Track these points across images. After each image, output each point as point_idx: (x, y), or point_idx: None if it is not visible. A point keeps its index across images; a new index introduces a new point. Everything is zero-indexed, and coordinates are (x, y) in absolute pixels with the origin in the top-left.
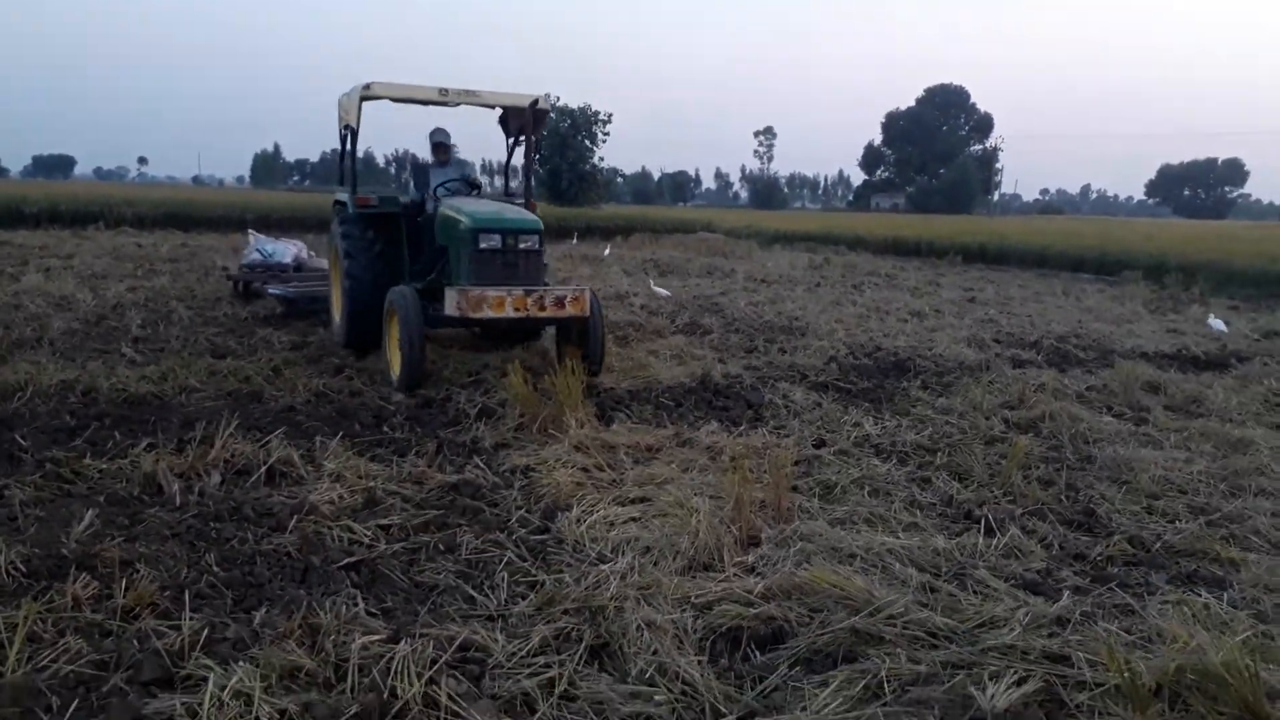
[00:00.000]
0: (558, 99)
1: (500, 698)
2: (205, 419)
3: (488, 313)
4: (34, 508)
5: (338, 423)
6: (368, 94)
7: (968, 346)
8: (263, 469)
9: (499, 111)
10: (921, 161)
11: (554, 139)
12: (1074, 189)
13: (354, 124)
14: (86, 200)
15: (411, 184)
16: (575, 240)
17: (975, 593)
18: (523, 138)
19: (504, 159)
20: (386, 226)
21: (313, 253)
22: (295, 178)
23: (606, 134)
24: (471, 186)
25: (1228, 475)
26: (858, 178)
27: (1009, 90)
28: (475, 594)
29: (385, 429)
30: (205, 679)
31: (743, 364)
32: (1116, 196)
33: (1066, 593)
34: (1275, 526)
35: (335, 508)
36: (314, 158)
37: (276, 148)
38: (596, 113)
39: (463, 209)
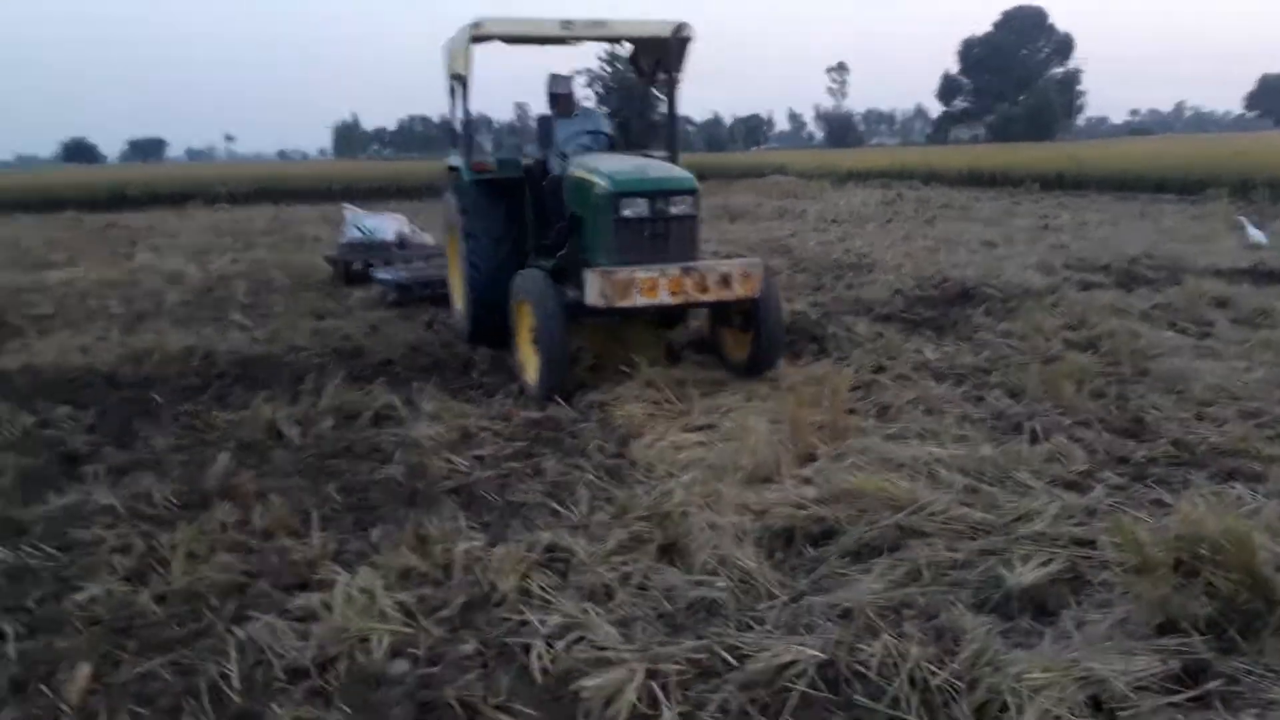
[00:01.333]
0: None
1: (583, 589)
2: (313, 373)
3: (638, 299)
4: (175, 453)
5: (431, 371)
6: (479, 33)
7: (1036, 272)
8: (369, 413)
9: (629, 49)
10: (1000, 89)
11: (621, 90)
12: (1167, 107)
13: (464, 73)
14: (182, 181)
15: (534, 143)
16: None
17: (1014, 492)
18: (662, 76)
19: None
20: (509, 195)
21: (415, 226)
22: (375, 146)
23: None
24: (605, 140)
25: None
26: (935, 110)
27: (1090, 6)
28: (559, 508)
29: (474, 375)
30: (335, 581)
31: (809, 300)
32: (1214, 112)
33: (1100, 487)
34: None
35: (435, 442)
36: (391, 125)
37: (355, 118)
38: None
39: (599, 169)
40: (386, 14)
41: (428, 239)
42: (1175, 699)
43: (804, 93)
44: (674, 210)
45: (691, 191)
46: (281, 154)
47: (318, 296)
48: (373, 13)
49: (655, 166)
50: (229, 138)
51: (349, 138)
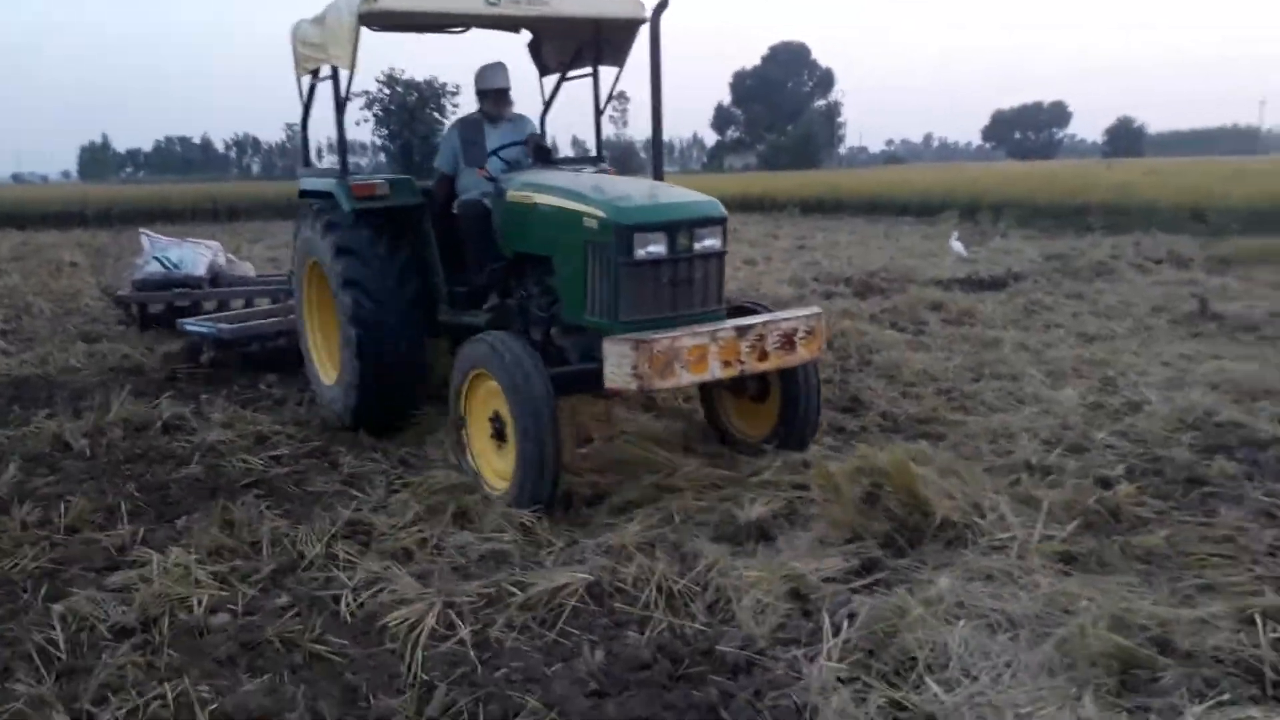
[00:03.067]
0: (402, 72)
1: (385, 552)
2: (95, 391)
3: (684, 377)
4: None
5: (219, 384)
6: (372, 10)
7: (788, 285)
8: (158, 424)
9: (527, 38)
10: (770, 120)
11: (401, 113)
12: (917, 138)
13: (347, 64)
14: None
15: (456, 156)
16: None
17: (750, 455)
18: (578, 71)
19: None
20: (403, 229)
21: (231, 255)
22: (128, 169)
23: (455, 105)
24: (541, 153)
25: (974, 366)
26: (711, 139)
27: (849, 44)
28: (358, 494)
29: (262, 386)
30: (148, 560)
31: None
32: (956, 143)
33: (816, 447)
34: (997, 397)
35: (230, 445)
36: (147, 146)
37: (105, 138)
38: (444, 84)
39: (582, 192)
40: (140, 30)
41: (247, 269)
42: (854, 585)
43: (585, 120)
44: (700, 246)
45: (721, 221)
46: (16, 177)
47: (84, 321)
48: (123, 28)
49: (662, 189)
50: None
51: (98, 159)
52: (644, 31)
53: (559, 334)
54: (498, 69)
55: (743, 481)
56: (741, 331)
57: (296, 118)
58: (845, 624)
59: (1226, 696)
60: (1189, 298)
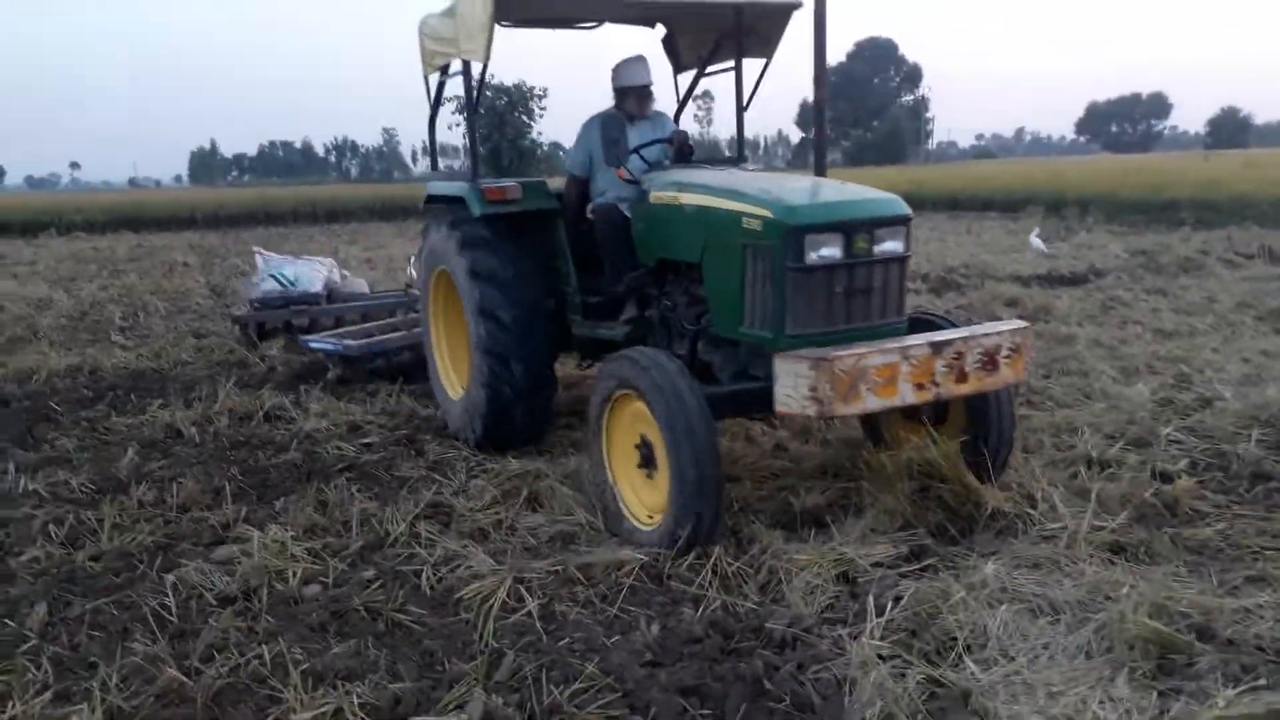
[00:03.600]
0: (492, 76)
1: (463, 532)
2: (203, 383)
3: (870, 401)
4: (82, 452)
5: (317, 376)
6: (509, 2)
7: None
8: (260, 413)
9: (660, 33)
10: (855, 116)
11: (491, 116)
12: (1008, 132)
13: (480, 57)
14: (22, 209)
15: (590, 157)
16: None
17: (814, 445)
18: (718, 66)
19: None
20: (535, 236)
21: (345, 271)
22: (234, 173)
23: (543, 109)
24: (684, 153)
25: (1046, 362)
26: (796, 136)
27: (937, 39)
28: (440, 479)
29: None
30: (250, 537)
31: None
32: (1050, 136)
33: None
34: (1065, 393)
35: (325, 434)
36: (251, 151)
37: (213, 144)
38: (532, 88)
39: (740, 190)
40: (246, 39)
41: (361, 285)
42: (902, 570)
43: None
44: (880, 250)
45: (904, 220)
46: (133, 182)
47: (194, 318)
48: (231, 38)
49: (833, 185)
50: (74, 165)
51: (206, 164)
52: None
53: (706, 348)
54: (639, 64)
55: (799, 471)
56: (937, 348)
57: (391, 121)
58: (889, 605)
59: (1262, 682)
60: (1278, 293)
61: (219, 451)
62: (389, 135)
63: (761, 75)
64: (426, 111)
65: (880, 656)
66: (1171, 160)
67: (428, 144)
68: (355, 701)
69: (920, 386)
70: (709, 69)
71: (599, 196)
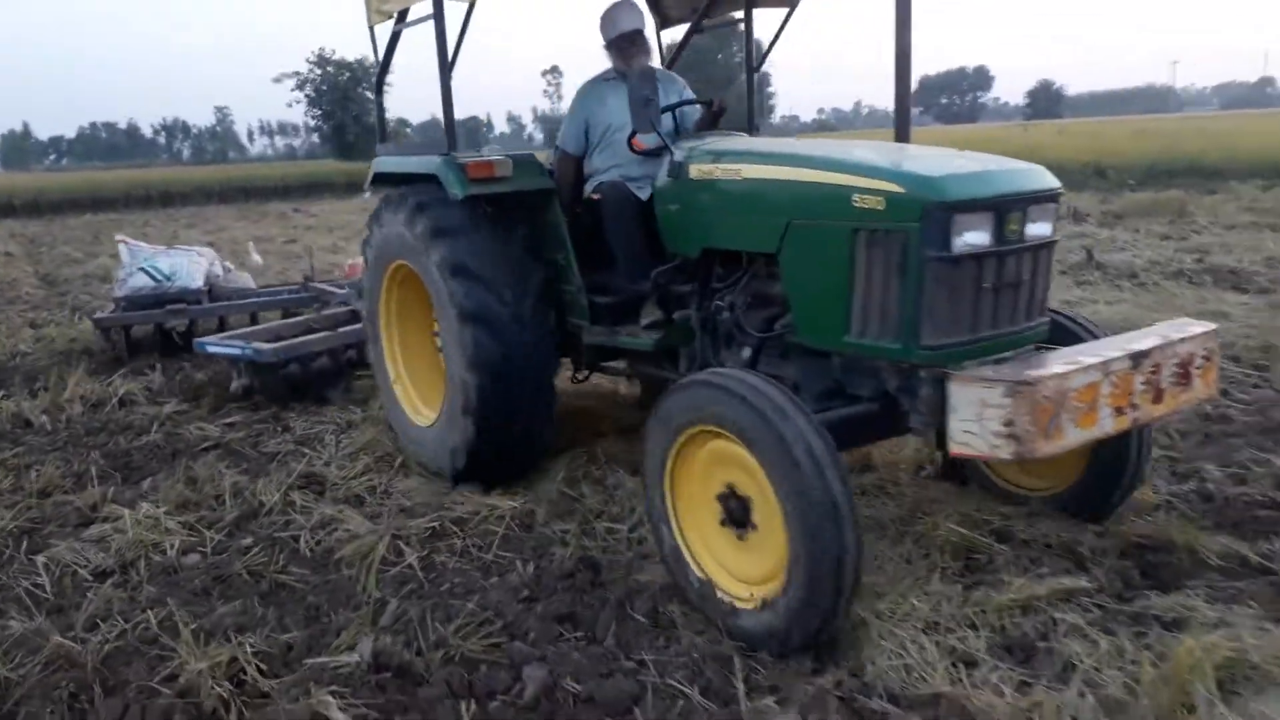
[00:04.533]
0: (334, 51)
1: (338, 499)
2: (47, 372)
3: (1070, 435)
4: None
5: (168, 366)
6: None
7: None
8: (114, 399)
9: None
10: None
11: (335, 93)
12: (847, 106)
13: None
14: None
15: (585, 129)
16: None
17: None
18: (729, 15)
19: None
20: (527, 223)
21: (227, 264)
22: (51, 157)
23: (388, 84)
24: (716, 114)
25: None
26: None
27: (771, 19)
28: (309, 452)
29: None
30: (120, 516)
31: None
32: (886, 110)
33: None
34: None
35: (186, 416)
36: (70, 133)
37: (25, 126)
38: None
39: (846, 160)
40: (61, 13)
41: (246, 279)
42: None
43: (521, 95)
44: (1032, 233)
45: (1056, 196)
46: None
47: (27, 308)
48: (44, 12)
49: (963, 154)
50: None
51: (19, 148)
52: None
53: (774, 360)
54: (628, 8)
55: None
56: (1136, 360)
57: (224, 101)
58: None
59: (1045, 570)
60: (1079, 250)
61: (74, 438)
62: (222, 114)
63: (783, 25)
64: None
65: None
66: (995, 130)
67: (377, 112)
68: (249, 650)
69: (1119, 411)
70: (706, 23)
71: (600, 175)
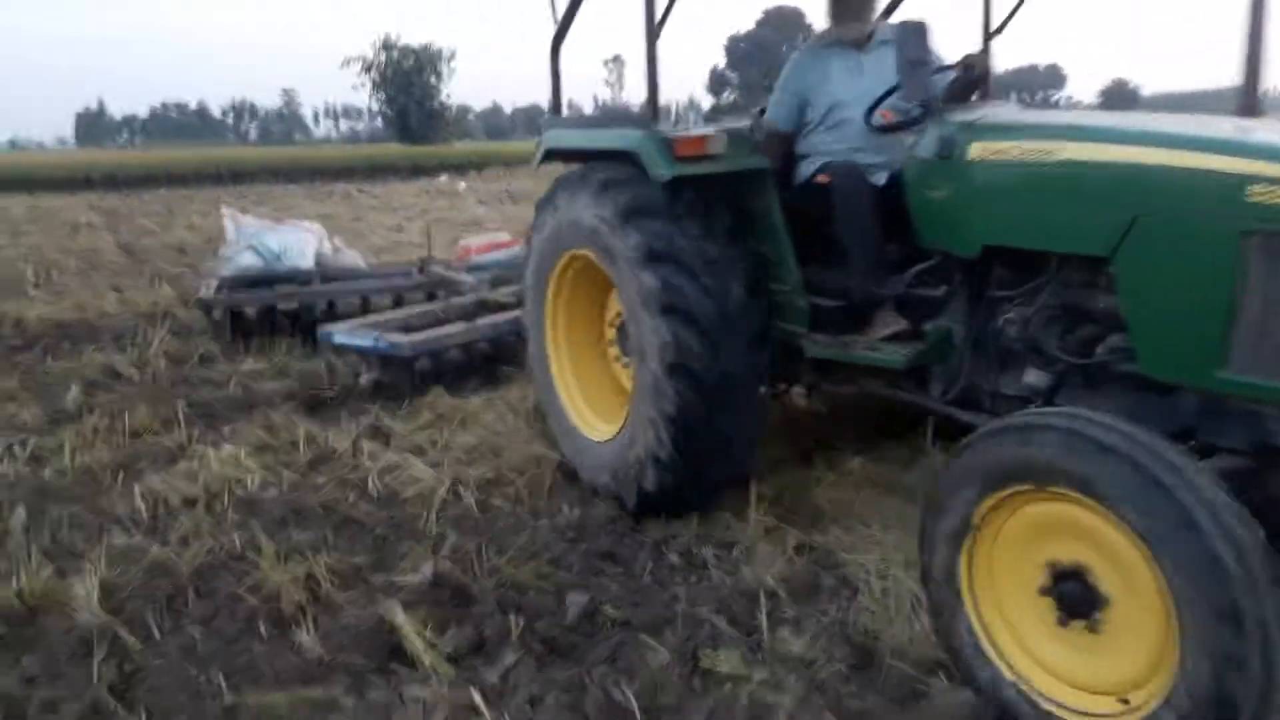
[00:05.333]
0: (399, 37)
1: (403, 448)
2: (133, 331)
3: None
4: (25, 391)
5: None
6: None
7: None
8: (195, 357)
9: None
10: (765, 83)
11: (399, 78)
12: None
13: None
14: None
15: (802, 102)
16: (445, 178)
17: None
18: None
19: None
20: (736, 210)
21: (336, 241)
22: (124, 135)
23: (451, 69)
24: (974, 81)
25: None
26: (707, 102)
27: None
28: (372, 407)
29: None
30: (205, 455)
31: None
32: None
33: None
34: None
35: (262, 373)
36: (143, 112)
37: (101, 104)
38: (439, 49)
39: (1229, 140)
40: None
41: (355, 257)
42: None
43: (583, 84)
44: None
45: None
46: (13, 143)
47: (110, 275)
48: None
49: None
50: None
51: (94, 126)
52: None
53: (1078, 392)
54: None
55: None
56: None
57: (291, 82)
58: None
59: None
60: None
61: (160, 389)
62: (289, 97)
63: None
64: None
65: (766, 529)
66: None
67: (551, 79)
68: (324, 567)
69: None
70: None
71: (821, 156)
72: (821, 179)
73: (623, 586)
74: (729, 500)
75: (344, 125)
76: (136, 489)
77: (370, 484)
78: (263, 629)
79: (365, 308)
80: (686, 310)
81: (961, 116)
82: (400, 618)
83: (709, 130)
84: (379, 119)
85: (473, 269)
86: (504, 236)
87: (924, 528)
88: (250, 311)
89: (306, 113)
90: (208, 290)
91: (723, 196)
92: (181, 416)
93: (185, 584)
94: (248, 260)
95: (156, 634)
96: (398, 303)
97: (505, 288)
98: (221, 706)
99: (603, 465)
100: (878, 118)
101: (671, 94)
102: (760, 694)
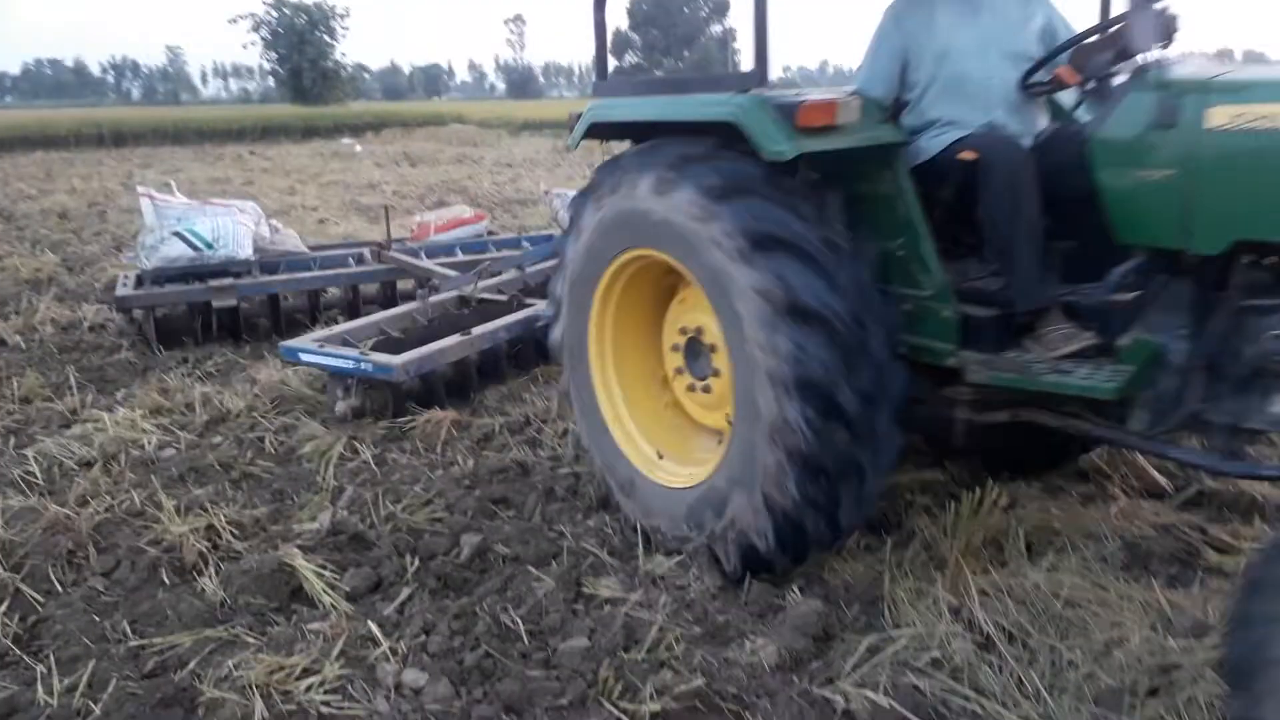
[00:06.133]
0: None
1: (301, 412)
2: (15, 298)
3: None
4: None
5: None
6: None
7: None
8: (85, 323)
9: None
10: (666, 45)
11: (291, 36)
12: (813, 65)
13: None
14: None
15: (902, 62)
16: (346, 140)
17: None
18: None
19: None
20: (857, 197)
21: (274, 222)
22: None
23: (345, 28)
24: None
25: None
26: (610, 64)
27: None
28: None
29: None
30: (100, 418)
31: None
32: (852, 69)
33: None
34: None
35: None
36: (14, 69)
37: None
38: (332, 6)
39: None
40: None
41: (292, 238)
42: None
43: (483, 44)
44: None
45: None
46: None
47: None
48: None
49: None
50: None
51: None
52: None
53: None
54: None
55: None
56: None
57: (176, 40)
58: None
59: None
60: None
61: (49, 355)
62: (174, 54)
63: None
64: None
65: None
66: None
67: (595, 35)
68: (223, 519)
69: None
70: None
71: (945, 127)
72: (965, 155)
73: (514, 527)
74: None
75: (234, 85)
76: (30, 453)
77: (267, 443)
78: (165, 577)
79: (314, 303)
80: (815, 312)
81: (1183, 74)
82: (300, 561)
83: (834, 93)
84: (270, 79)
85: (436, 251)
86: (466, 212)
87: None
88: (177, 311)
89: (194, 71)
90: (125, 286)
91: (834, 177)
92: (73, 381)
93: (85, 540)
94: (175, 250)
95: (59, 588)
96: (352, 295)
97: (490, 280)
98: (126, 649)
99: (680, 515)
100: (1043, 75)
101: (573, 57)
102: (636, 612)
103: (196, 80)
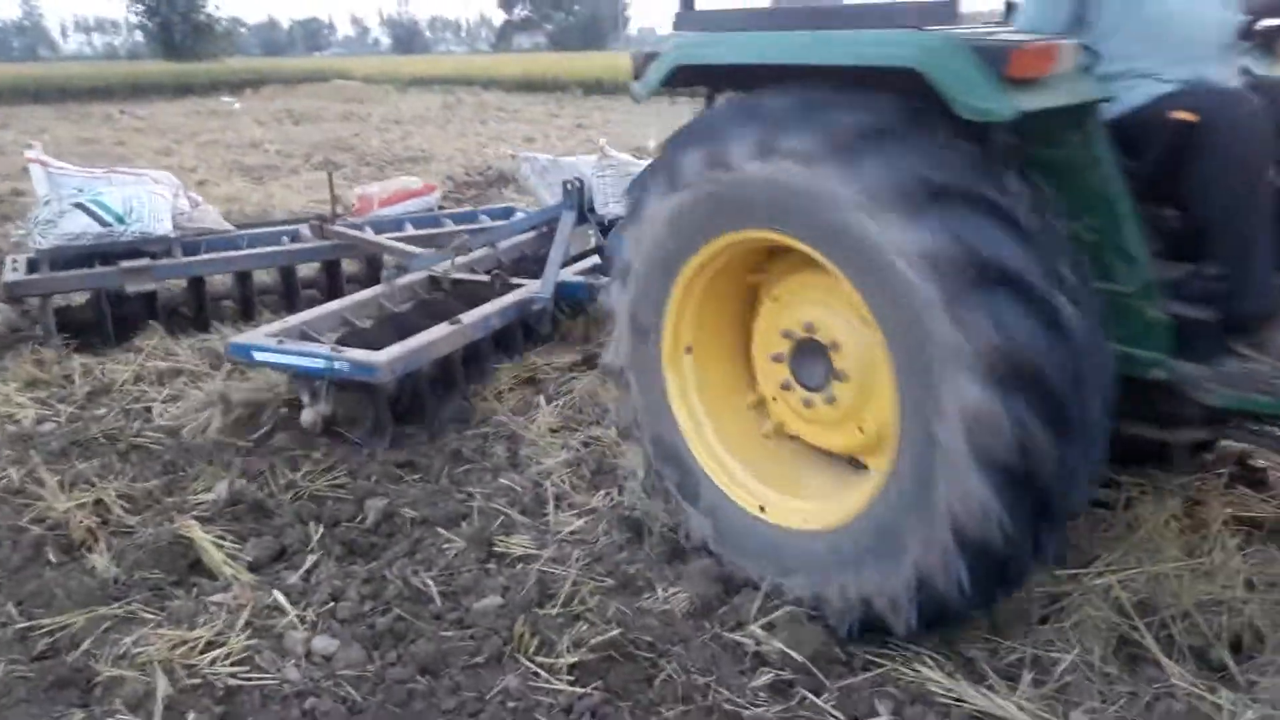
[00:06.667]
0: None
1: (188, 379)
2: None
3: None
4: None
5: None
6: None
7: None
8: None
9: None
10: None
11: None
12: None
13: None
14: None
15: None
16: (226, 97)
17: None
18: None
19: None
20: (1017, 159)
21: (193, 195)
22: None
23: None
24: None
25: None
26: (499, 18)
27: None
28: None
29: None
30: None
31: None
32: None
33: None
34: None
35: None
36: None
37: None
38: None
39: None
40: None
41: (212, 214)
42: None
43: None
44: None
45: None
46: None
47: None
48: None
49: None
50: None
51: None
52: None
53: None
54: None
55: None
56: None
57: None
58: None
59: None
60: None
61: None
62: (30, 7)
63: None
64: None
65: (551, 430)
66: None
67: None
68: (113, 494)
69: None
70: None
71: (1143, 79)
72: (1181, 115)
73: (421, 490)
74: (520, 407)
75: (98, 40)
76: None
77: (154, 413)
78: (51, 556)
79: (244, 286)
80: (1025, 286)
81: None
82: (198, 533)
83: (1049, 36)
84: (138, 33)
85: (384, 227)
86: (415, 183)
87: None
88: (82, 298)
89: (52, 25)
90: (16, 270)
91: (1005, 138)
92: None
93: None
94: (77, 225)
95: None
96: (288, 278)
97: (461, 257)
98: (14, 631)
99: (812, 566)
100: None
101: (461, 10)
102: (549, 568)
103: (56, 34)
